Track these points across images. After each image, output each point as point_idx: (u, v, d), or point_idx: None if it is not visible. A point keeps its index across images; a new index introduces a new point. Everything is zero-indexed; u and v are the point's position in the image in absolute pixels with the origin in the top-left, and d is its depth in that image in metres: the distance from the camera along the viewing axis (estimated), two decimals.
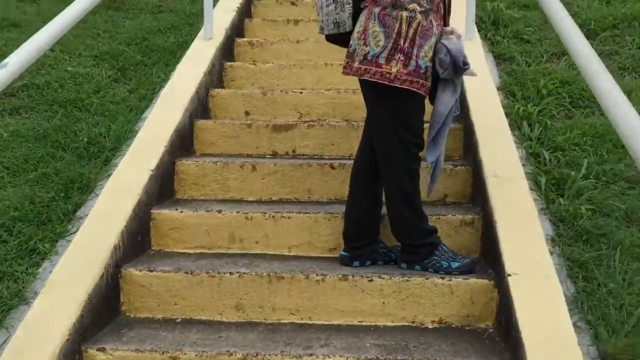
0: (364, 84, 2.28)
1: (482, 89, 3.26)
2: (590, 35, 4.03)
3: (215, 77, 3.64)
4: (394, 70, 2.15)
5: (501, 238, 2.23)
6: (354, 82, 2.54)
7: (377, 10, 2.19)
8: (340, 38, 2.34)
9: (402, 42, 2.16)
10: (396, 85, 2.16)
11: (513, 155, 2.70)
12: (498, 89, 3.58)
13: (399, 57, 2.16)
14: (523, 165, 2.86)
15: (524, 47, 4.01)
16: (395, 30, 2.16)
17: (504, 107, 3.34)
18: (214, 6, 4.00)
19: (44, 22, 4.23)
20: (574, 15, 4.23)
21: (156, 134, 2.92)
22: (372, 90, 2.26)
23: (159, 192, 2.76)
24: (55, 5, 4.53)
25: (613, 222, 2.60)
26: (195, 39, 3.98)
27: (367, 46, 2.19)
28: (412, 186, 2.32)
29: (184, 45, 4.12)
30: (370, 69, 2.18)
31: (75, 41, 4.19)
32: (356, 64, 2.21)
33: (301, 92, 3.42)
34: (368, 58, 2.19)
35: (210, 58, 3.57)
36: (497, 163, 2.61)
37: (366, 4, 2.23)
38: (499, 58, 3.96)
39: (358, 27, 2.23)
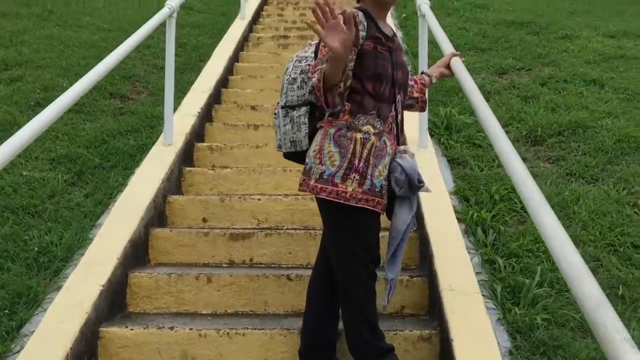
0: (321, 202, 2.28)
1: (437, 197, 3.33)
2: (538, 141, 4.23)
3: (174, 183, 3.64)
4: (349, 189, 2.18)
5: (457, 357, 2.21)
6: None
7: (332, 131, 2.23)
8: (296, 155, 2.39)
9: (356, 162, 2.20)
10: (352, 204, 2.18)
11: (467, 268, 2.73)
12: (452, 193, 3.67)
13: (354, 177, 2.19)
14: (478, 273, 2.89)
15: (476, 152, 4.16)
16: (350, 150, 2.20)
17: (458, 212, 3.42)
18: (175, 109, 4.08)
19: (2, 127, 4.27)
20: (520, 121, 4.47)
21: (109, 245, 2.87)
22: (329, 208, 2.27)
23: (109, 307, 2.67)
24: (14, 108, 4.55)
25: (568, 332, 2.61)
26: (155, 144, 4.00)
27: (323, 165, 2.21)
28: (368, 302, 2.31)
29: (143, 148, 4.14)
30: (326, 187, 2.19)
31: (32, 144, 4.15)
32: (312, 182, 2.22)
33: (259, 199, 3.44)
34: (324, 177, 2.20)
35: (169, 164, 3.58)
36: (452, 276, 2.63)
37: (322, 125, 2.28)
38: (453, 162, 4.09)
39: (314, 147, 2.26)
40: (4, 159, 1.99)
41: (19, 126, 4.30)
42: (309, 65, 2.31)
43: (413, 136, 3.79)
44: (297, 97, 2.30)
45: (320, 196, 2.22)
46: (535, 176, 3.82)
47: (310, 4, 7.76)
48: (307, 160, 2.28)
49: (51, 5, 7.08)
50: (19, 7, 6.92)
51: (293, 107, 2.31)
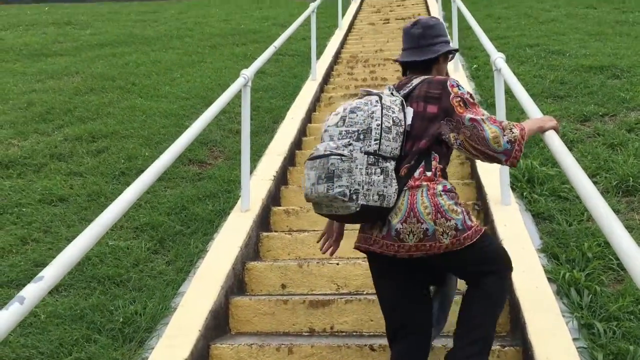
0: (453, 255, 2.17)
1: (524, 256, 3.16)
2: (630, 191, 3.97)
3: (252, 249, 3.65)
4: (477, 222, 2.26)
5: None
6: None
7: (439, 188, 2.17)
8: (369, 212, 2.12)
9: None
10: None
11: (564, 336, 2.54)
12: (540, 250, 3.48)
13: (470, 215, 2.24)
14: (576, 339, 2.68)
15: (563, 205, 3.95)
16: (457, 198, 2.24)
17: (548, 272, 3.22)
18: (251, 172, 4.13)
19: (90, 197, 4.47)
20: (608, 171, 4.22)
21: (191, 316, 2.88)
22: (480, 246, 2.20)
23: None
24: (101, 179, 4.77)
25: None
26: (233, 209, 4.06)
27: (452, 220, 2.14)
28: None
29: (222, 214, 4.21)
30: (468, 233, 2.16)
31: None
32: (449, 239, 2.12)
33: (337, 263, 3.38)
34: (459, 227, 2.14)
35: (247, 231, 3.60)
36: (548, 345, 2.44)
37: (417, 184, 2.17)
38: (538, 217, 3.89)
39: (426, 209, 2.12)
40: (96, 236, 2.05)
41: (105, 196, 4.52)
42: (398, 118, 2.17)
43: (494, 194, 3.66)
44: (392, 148, 2.14)
45: (469, 243, 2.15)
46: (630, 230, 3.58)
47: (380, 61, 7.80)
48: (423, 226, 2.12)
49: (134, 78, 7.49)
50: (104, 82, 7.36)
51: (385, 158, 2.13)
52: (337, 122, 2.19)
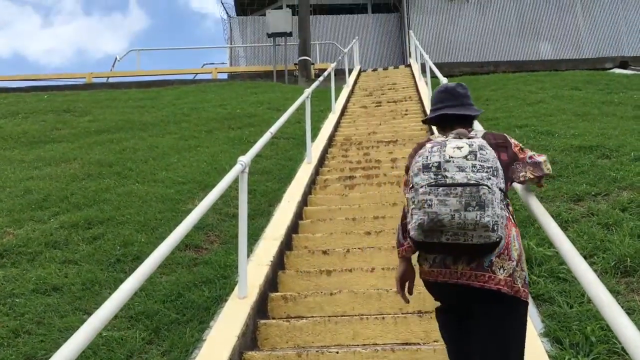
0: (515, 305, 2.31)
1: (528, 341, 3.09)
2: (628, 272, 3.96)
3: (249, 337, 3.57)
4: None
5: None
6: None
7: (515, 231, 2.38)
8: (488, 245, 2.23)
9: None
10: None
11: None
12: (542, 335, 3.43)
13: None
14: None
15: (562, 287, 3.92)
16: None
17: (552, 357, 3.16)
18: (247, 256, 4.11)
19: (84, 286, 4.41)
20: (605, 251, 4.23)
21: None
22: (523, 311, 2.35)
23: None
24: (96, 267, 4.72)
25: None
26: (230, 297, 4.00)
27: (524, 271, 2.35)
28: None
29: (218, 300, 4.14)
30: (527, 292, 2.35)
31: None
32: (519, 286, 2.31)
33: (337, 352, 3.30)
34: (526, 282, 2.36)
35: (244, 319, 3.54)
36: None
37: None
38: (538, 299, 3.86)
39: (515, 249, 2.34)
40: (94, 331, 2.01)
41: (100, 284, 4.46)
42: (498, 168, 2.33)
43: None
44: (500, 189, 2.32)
45: (525, 300, 2.32)
46: (632, 312, 3.54)
47: (373, 143, 7.94)
48: (512, 263, 2.29)
49: (131, 164, 7.58)
50: (102, 168, 7.44)
51: (507, 196, 2.42)
52: (467, 155, 2.27)
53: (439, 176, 2.24)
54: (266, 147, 8.60)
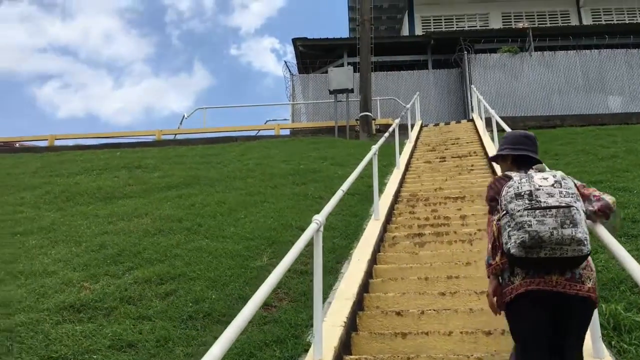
0: (590, 305, 2.82)
1: None
2: None
3: None
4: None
5: None
6: None
7: None
8: (580, 257, 2.70)
9: None
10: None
11: None
12: None
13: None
14: None
15: None
16: None
17: None
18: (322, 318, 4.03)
19: (158, 342, 4.43)
20: None
21: None
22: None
23: None
24: (169, 323, 4.75)
25: None
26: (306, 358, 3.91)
27: (593, 272, 2.85)
28: None
29: None
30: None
31: None
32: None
33: None
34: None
35: None
36: None
37: None
38: None
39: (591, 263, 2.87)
40: None
41: (173, 341, 4.47)
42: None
43: (586, 344, 3.41)
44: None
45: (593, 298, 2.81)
46: None
47: (441, 199, 7.81)
48: (594, 274, 2.86)
49: (200, 219, 7.72)
50: (172, 223, 7.60)
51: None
52: (553, 184, 2.74)
53: (533, 201, 2.69)
54: None
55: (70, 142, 18.04)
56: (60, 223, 7.94)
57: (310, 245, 3.99)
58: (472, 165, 10.13)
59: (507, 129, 8.38)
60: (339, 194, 4.98)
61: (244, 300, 5.31)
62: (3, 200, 9.64)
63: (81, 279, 5.74)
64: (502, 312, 2.95)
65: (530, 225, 2.62)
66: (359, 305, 4.80)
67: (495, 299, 2.94)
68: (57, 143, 18.15)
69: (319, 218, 3.91)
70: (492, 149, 10.37)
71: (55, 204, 9.29)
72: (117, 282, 5.65)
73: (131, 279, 5.67)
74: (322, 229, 3.98)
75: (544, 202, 2.65)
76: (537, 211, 2.63)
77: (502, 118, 11.48)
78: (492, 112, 10.24)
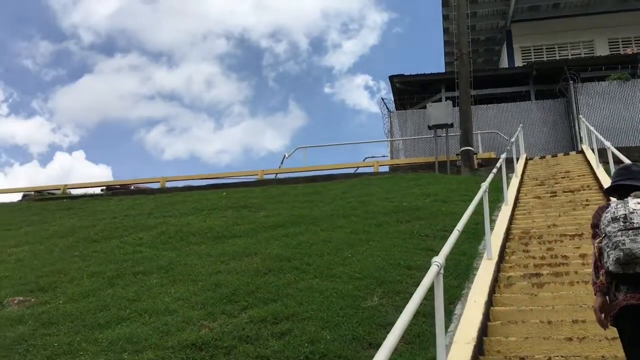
0: None
1: None
2: None
3: None
4: None
5: None
6: None
7: None
8: None
9: None
10: None
11: None
12: None
13: None
14: None
15: None
16: None
17: None
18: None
19: None
20: None
21: None
22: None
23: None
24: None
25: None
26: None
27: None
28: None
29: None
30: None
31: None
32: None
33: None
34: None
35: None
36: None
37: None
38: None
39: None
40: None
41: None
42: None
43: None
44: None
45: None
46: None
47: (556, 237, 7.46)
48: None
49: (307, 258, 7.82)
50: (281, 262, 7.75)
51: None
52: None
53: (627, 223, 3.04)
54: (437, 240, 8.47)
55: (180, 184, 19.03)
56: (176, 262, 8.33)
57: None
58: (587, 200, 9.61)
59: (625, 159, 7.91)
60: (455, 234, 4.88)
61: (359, 341, 5.31)
62: (124, 240, 10.27)
63: (200, 318, 5.96)
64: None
65: (624, 244, 2.98)
66: (479, 350, 4.63)
67: (602, 315, 3.26)
68: (168, 185, 19.20)
69: (439, 260, 3.84)
70: (608, 183, 9.80)
71: (170, 243, 9.76)
72: (233, 320, 5.81)
73: (247, 318, 5.81)
74: (442, 271, 3.91)
75: (637, 223, 3.00)
76: (630, 231, 2.99)
77: (617, 148, 10.86)
78: (607, 143, 9.71)
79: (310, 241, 8.90)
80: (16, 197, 19.70)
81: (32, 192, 19.90)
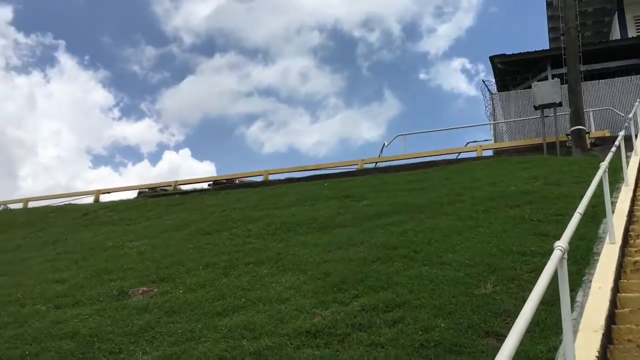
0: None
1: None
2: None
3: None
4: None
5: None
6: None
7: None
8: None
9: None
10: None
11: None
12: None
13: None
14: None
15: None
16: None
17: None
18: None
19: None
20: None
21: None
22: None
23: None
24: (402, 351, 4.77)
25: None
26: None
27: None
28: None
29: None
30: None
31: None
32: None
33: None
34: None
35: None
36: None
37: None
38: None
39: None
40: None
41: None
42: None
43: None
44: None
45: None
46: None
47: None
48: None
49: (415, 246, 7.73)
50: (388, 251, 7.71)
51: None
52: None
53: None
54: (551, 224, 8.07)
55: (282, 176, 19.45)
56: (285, 253, 8.52)
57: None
58: None
59: None
60: (576, 217, 4.62)
61: (474, 329, 5.18)
62: (234, 232, 10.66)
63: (312, 306, 6.06)
64: None
65: None
66: (607, 338, 4.36)
67: None
68: (271, 177, 19.69)
69: (562, 244, 3.64)
70: None
71: (277, 234, 10.00)
72: (345, 309, 5.86)
73: (358, 306, 5.84)
74: (566, 256, 3.70)
75: None
76: None
77: None
78: None
79: (415, 229, 8.79)
80: (132, 194, 21.04)
81: (147, 189, 21.16)
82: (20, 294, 8.16)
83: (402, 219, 9.69)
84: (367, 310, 5.70)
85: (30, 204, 21.73)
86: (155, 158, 71.99)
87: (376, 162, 19.13)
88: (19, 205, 22.58)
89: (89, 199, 20.83)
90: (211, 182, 20.75)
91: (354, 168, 18.98)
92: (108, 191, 21.71)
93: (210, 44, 66.43)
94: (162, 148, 70.29)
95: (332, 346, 5.06)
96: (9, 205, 23.57)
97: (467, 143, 19.56)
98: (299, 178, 18.18)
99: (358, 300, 6.05)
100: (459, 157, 18.02)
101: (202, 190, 18.58)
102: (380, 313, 5.60)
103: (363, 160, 18.97)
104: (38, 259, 10.80)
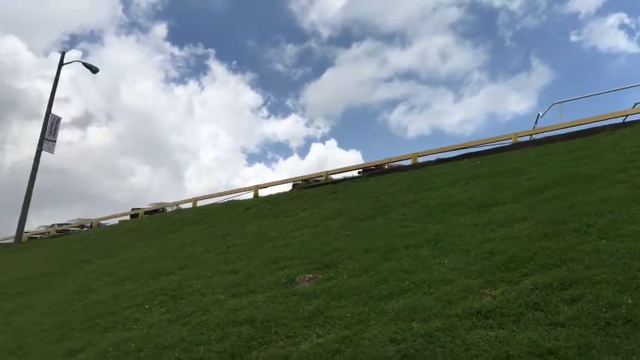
0: None
1: None
2: None
3: None
4: None
5: None
6: None
7: None
8: None
9: None
10: None
11: None
12: None
13: None
14: None
15: None
16: None
17: None
18: None
19: (580, 351, 4.19)
20: None
21: None
22: None
23: None
24: (585, 330, 4.46)
25: None
26: None
27: None
28: None
29: None
30: None
31: None
32: None
33: None
34: None
35: None
36: None
37: None
38: None
39: None
40: None
41: (597, 350, 4.16)
42: None
43: None
44: None
45: None
46: None
47: None
48: None
49: (587, 219, 7.18)
50: (556, 226, 7.25)
51: None
52: None
53: None
54: None
55: (431, 158, 19.13)
56: (444, 234, 8.36)
57: None
58: None
59: None
60: None
61: None
62: (389, 217, 10.69)
63: (480, 286, 5.88)
64: None
65: None
66: None
67: None
68: (420, 160, 19.46)
69: None
70: None
71: (434, 216, 9.85)
72: (515, 288, 5.61)
73: (530, 285, 5.55)
74: None
75: None
76: None
77: None
78: None
79: (584, 201, 8.17)
80: (287, 187, 21.97)
81: (300, 182, 21.98)
82: (200, 285, 8.88)
83: (568, 191, 9.06)
84: (541, 288, 5.40)
85: (199, 203, 23.63)
86: (303, 151, 74.73)
87: (531, 135, 18.13)
88: (189, 205, 24.66)
89: (249, 195, 22.13)
90: (361, 170, 21.03)
91: (506, 143, 18.14)
92: (266, 186, 22.93)
93: (346, 34, 67.29)
94: (309, 141, 72.75)
95: (507, 326, 4.86)
96: (180, 206, 25.84)
97: (635, 104, 17.80)
98: (448, 158, 17.78)
99: (529, 278, 5.75)
100: (625, 120, 16.47)
101: (352, 178, 18.87)
102: (556, 291, 5.28)
103: (516, 133, 18.06)
104: (211, 252, 11.68)
